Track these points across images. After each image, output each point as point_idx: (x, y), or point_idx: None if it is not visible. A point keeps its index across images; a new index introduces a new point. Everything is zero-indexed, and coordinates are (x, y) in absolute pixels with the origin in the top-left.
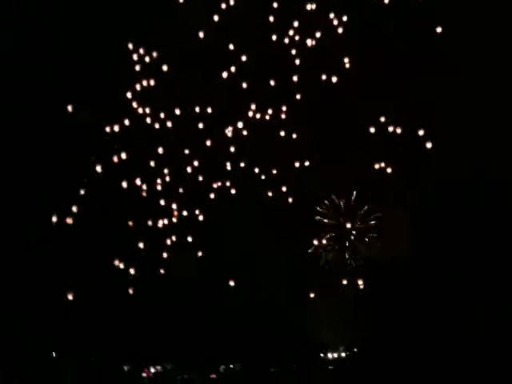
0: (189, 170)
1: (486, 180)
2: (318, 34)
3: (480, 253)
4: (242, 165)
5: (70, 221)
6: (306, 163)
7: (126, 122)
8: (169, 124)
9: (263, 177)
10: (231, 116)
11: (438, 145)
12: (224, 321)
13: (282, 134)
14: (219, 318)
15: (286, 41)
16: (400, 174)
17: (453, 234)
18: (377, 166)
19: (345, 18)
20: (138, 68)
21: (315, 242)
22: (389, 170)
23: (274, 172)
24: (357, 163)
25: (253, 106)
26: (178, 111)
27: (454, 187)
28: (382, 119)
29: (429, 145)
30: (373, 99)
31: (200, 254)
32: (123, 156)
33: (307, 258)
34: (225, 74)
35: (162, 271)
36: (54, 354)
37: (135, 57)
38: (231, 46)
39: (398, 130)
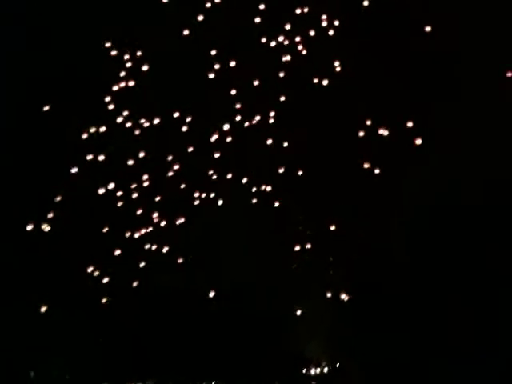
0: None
1: (485, 180)
2: (307, 38)
3: (482, 260)
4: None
5: (46, 228)
6: (300, 173)
7: (105, 125)
8: (150, 128)
9: (254, 189)
10: (217, 120)
11: (429, 141)
12: (206, 335)
13: (270, 142)
14: (201, 333)
15: (273, 44)
16: (390, 175)
17: (451, 239)
18: (366, 166)
19: (336, 23)
20: (118, 68)
21: (297, 248)
22: (377, 171)
23: (266, 188)
24: (347, 169)
25: (239, 111)
26: (159, 114)
27: (450, 187)
28: (370, 122)
29: (418, 141)
30: (363, 101)
31: (180, 261)
32: (100, 158)
33: (290, 270)
34: (211, 75)
35: (135, 283)
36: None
37: (113, 54)
38: (218, 47)
39: (386, 133)
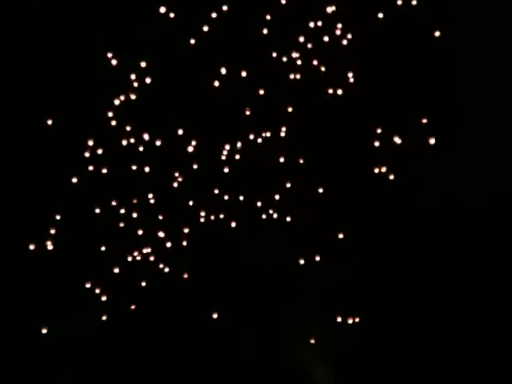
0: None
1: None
2: (320, 50)
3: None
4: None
5: (50, 245)
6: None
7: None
8: (156, 144)
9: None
10: (226, 137)
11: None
12: (210, 358)
13: (282, 160)
14: (205, 355)
15: (284, 56)
16: (402, 179)
17: (465, 249)
18: (377, 171)
19: (349, 36)
20: (120, 78)
21: (302, 262)
22: (391, 177)
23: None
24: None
25: (251, 128)
26: (164, 129)
27: (461, 189)
28: (386, 130)
29: (432, 140)
30: (376, 111)
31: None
32: (104, 171)
33: (296, 290)
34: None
35: (133, 307)
36: None
37: (115, 68)
38: (226, 58)
39: (399, 141)
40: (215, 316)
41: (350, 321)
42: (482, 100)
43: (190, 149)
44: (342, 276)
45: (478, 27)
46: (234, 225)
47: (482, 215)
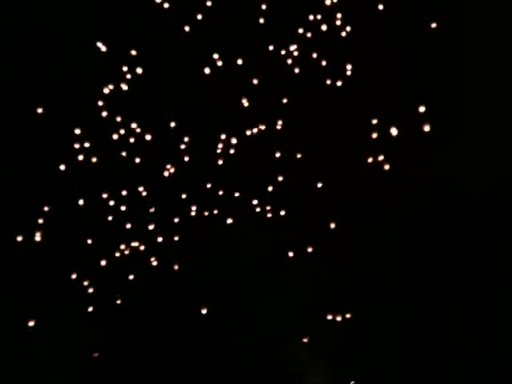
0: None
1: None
2: (318, 42)
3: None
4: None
5: (38, 237)
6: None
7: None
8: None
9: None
10: (222, 130)
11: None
12: (198, 352)
13: (278, 155)
14: (193, 350)
15: (283, 52)
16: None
17: (464, 242)
18: (373, 162)
19: (348, 28)
20: (115, 72)
21: (290, 254)
22: (386, 167)
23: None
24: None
25: (244, 119)
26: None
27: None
28: (384, 121)
29: (427, 128)
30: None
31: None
32: (93, 160)
33: (290, 284)
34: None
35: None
36: None
37: (106, 58)
38: (221, 48)
39: (396, 132)
40: (205, 311)
41: (347, 316)
42: (481, 90)
43: (183, 144)
44: (338, 270)
45: (476, 18)
46: (228, 220)
47: (482, 206)
